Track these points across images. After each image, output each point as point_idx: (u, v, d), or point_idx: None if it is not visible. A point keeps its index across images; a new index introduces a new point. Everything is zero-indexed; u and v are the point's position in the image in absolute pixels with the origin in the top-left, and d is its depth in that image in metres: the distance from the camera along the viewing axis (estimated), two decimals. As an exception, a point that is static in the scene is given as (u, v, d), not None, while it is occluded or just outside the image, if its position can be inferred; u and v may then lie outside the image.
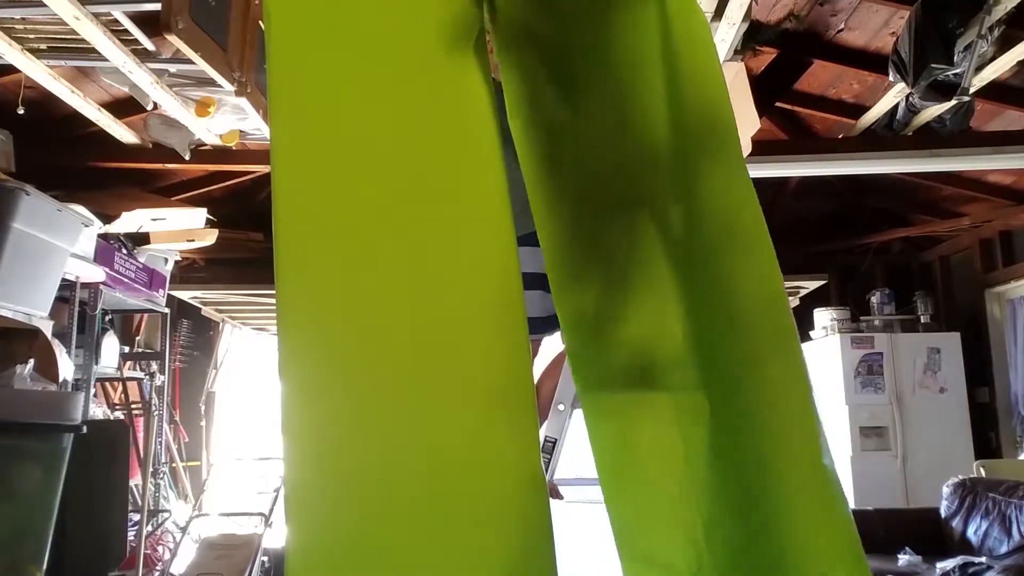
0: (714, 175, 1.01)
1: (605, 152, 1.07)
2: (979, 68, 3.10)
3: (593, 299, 1.07)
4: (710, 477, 0.99)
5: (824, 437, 0.93)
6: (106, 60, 2.87)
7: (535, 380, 1.05)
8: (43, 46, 2.94)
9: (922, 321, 5.74)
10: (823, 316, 5.83)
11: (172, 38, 2.39)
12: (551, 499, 0.99)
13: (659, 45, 1.02)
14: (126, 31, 2.72)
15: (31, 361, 2.58)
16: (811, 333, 5.97)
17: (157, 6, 2.40)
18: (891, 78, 3.19)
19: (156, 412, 4.78)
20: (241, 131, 3.71)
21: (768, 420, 0.96)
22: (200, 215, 4.39)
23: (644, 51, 1.03)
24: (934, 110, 3.67)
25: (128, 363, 5.06)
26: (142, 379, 5.22)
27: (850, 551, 0.91)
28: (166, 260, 4.88)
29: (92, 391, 4.22)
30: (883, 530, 4.04)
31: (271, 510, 4.17)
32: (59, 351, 3.17)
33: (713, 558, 0.98)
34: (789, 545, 0.92)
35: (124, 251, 4.36)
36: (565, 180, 1.07)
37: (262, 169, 4.70)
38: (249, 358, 6.86)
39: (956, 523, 3.97)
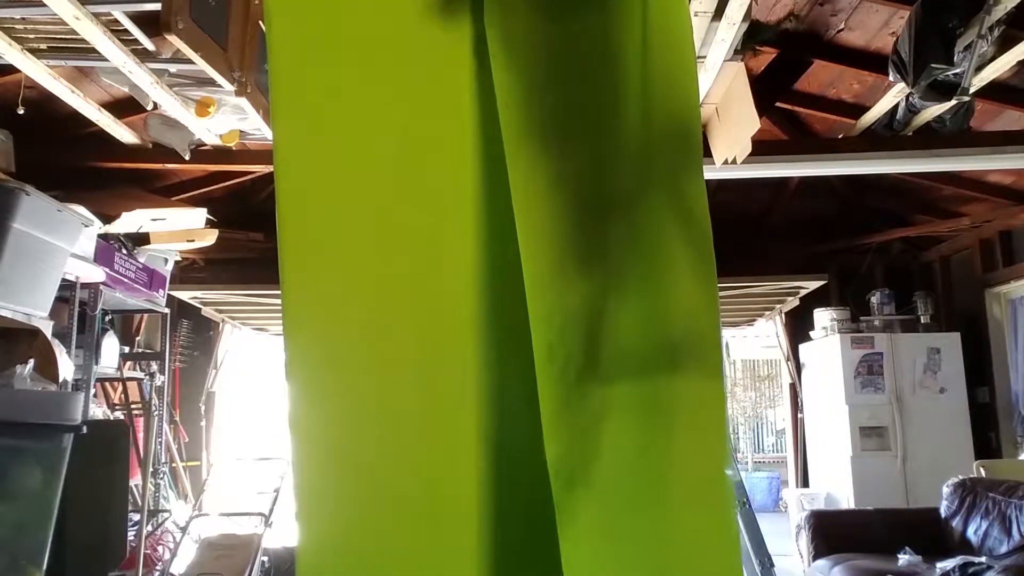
0: (680, 180, 1.02)
1: (592, 145, 1.06)
2: (979, 68, 3.10)
3: (592, 294, 1.06)
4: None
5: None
6: (106, 60, 2.86)
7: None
8: (43, 46, 2.93)
9: (922, 321, 5.75)
10: (823, 316, 5.83)
11: (172, 38, 2.39)
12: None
13: (640, 42, 1.02)
14: (126, 31, 2.71)
15: (31, 361, 2.57)
16: (811, 333, 5.98)
17: (157, 6, 2.40)
18: (891, 78, 3.18)
19: (156, 412, 4.78)
20: (241, 131, 3.70)
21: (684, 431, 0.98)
22: (200, 215, 4.39)
23: (624, 45, 1.03)
24: (934, 110, 3.67)
25: (128, 363, 5.06)
26: (142, 379, 5.22)
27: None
28: (166, 260, 4.87)
29: (92, 391, 4.22)
30: (883, 530, 4.05)
31: (271, 510, 4.16)
32: (59, 351, 3.17)
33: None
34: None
35: (124, 251, 4.36)
36: (561, 169, 1.06)
37: (262, 169, 4.70)
38: (249, 358, 6.87)
39: (956, 523, 3.98)
